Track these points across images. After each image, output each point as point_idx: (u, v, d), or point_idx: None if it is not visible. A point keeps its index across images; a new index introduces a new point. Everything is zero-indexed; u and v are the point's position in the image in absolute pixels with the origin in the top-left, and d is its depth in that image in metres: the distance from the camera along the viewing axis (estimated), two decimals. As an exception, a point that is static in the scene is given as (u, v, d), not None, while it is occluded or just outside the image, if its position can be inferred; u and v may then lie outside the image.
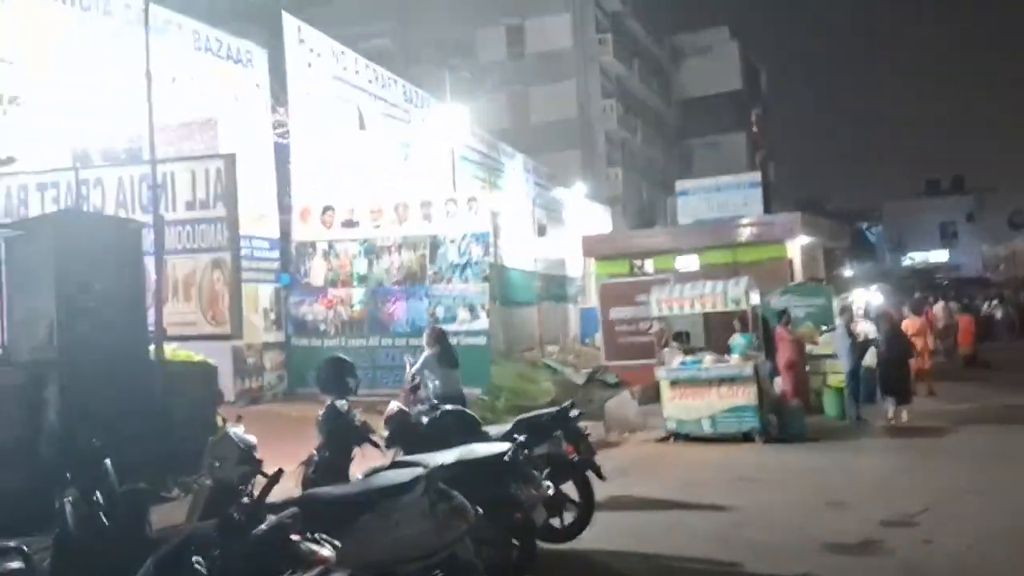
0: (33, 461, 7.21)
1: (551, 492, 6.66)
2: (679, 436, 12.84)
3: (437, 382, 9.65)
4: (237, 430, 5.66)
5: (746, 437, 12.43)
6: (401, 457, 6.70)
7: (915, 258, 60.00)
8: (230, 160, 10.51)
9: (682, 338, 15.06)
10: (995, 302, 31.38)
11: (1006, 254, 61.13)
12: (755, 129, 58.91)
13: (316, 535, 4.13)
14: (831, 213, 48.39)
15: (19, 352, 7.83)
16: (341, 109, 17.95)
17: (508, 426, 7.42)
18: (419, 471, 5.39)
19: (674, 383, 12.86)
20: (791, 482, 9.90)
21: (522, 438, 6.66)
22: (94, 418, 7.13)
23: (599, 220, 34.40)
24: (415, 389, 8.72)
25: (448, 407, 7.90)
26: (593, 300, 23.88)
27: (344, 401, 6.86)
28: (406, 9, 42.15)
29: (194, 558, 3.52)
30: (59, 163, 11.53)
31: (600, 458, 11.77)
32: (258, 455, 5.54)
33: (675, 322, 15.07)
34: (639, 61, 49.13)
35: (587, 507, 7.20)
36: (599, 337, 20.34)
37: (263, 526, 4.11)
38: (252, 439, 5.70)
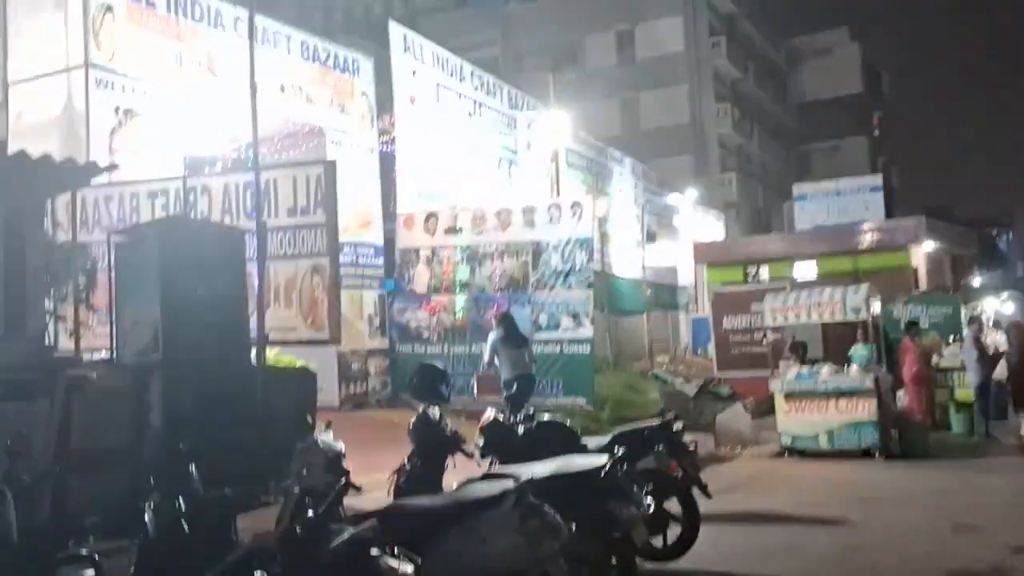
0: (137, 463, 7.31)
1: (652, 509, 6.31)
2: (794, 451, 12.20)
3: (505, 362, 10.01)
4: (325, 437, 5.56)
5: (866, 454, 11.70)
6: (496, 468, 6.48)
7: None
8: (330, 166, 10.55)
9: (799, 349, 14.37)
10: None
11: None
12: (877, 133, 56.77)
13: (397, 550, 3.94)
14: (959, 219, 45.98)
15: (125, 356, 7.99)
16: (446, 116, 17.98)
17: (608, 438, 7.09)
18: (509, 484, 5.13)
19: (789, 396, 12.23)
20: (914, 503, 9.20)
21: (622, 451, 6.32)
22: (192, 422, 7.18)
23: (712, 227, 33.57)
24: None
25: (546, 418, 7.64)
26: (705, 309, 23.23)
27: (436, 408, 6.69)
28: (512, 18, 42.26)
29: (256, 572, 3.36)
30: (172, 172, 11.86)
31: (709, 473, 11.41)
32: (346, 462, 5.42)
33: (792, 332, 14.44)
34: (754, 64, 47.87)
35: (691, 525, 6.79)
36: (711, 347, 19.71)
37: (342, 539, 3.94)
38: (340, 446, 5.58)
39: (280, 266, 9.89)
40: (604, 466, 5.81)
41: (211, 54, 13.48)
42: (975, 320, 14.44)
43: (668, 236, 29.40)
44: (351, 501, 4.95)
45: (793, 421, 12.14)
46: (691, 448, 7.37)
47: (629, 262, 26.10)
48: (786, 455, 12.22)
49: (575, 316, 14.61)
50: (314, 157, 13.48)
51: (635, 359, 23.22)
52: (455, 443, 6.52)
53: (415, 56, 17.20)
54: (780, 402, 12.27)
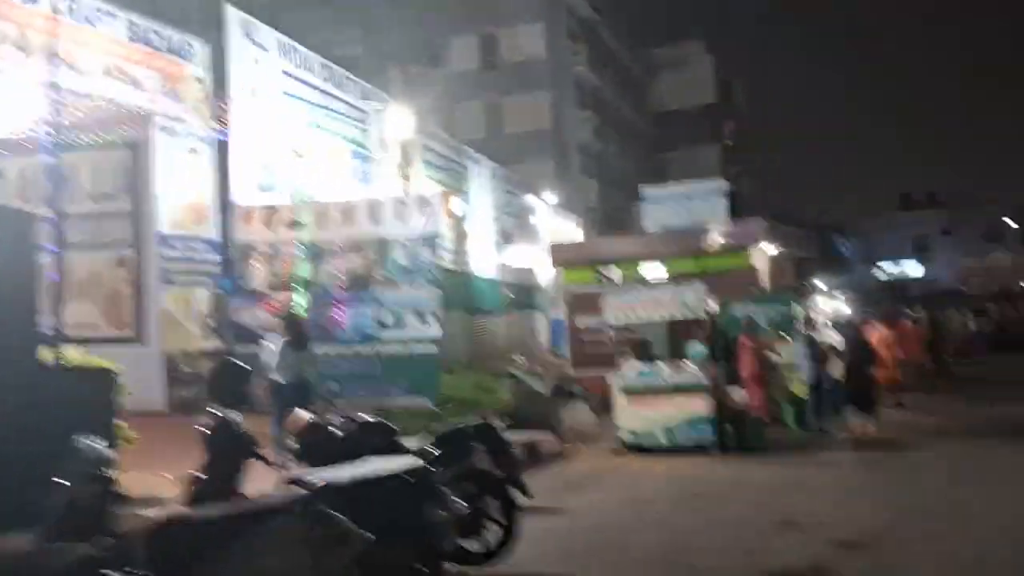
0: None
1: (468, 511, 6.00)
2: (634, 448, 12.21)
3: (282, 367, 9.71)
4: (92, 442, 4.96)
5: (703, 449, 11.82)
6: (301, 473, 6.01)
7: (888, 270, 59.88)
8: (139, 150, 9.78)
9: (640, 347, 14.44)
10: (971, 315, 31.00)
11: (983, 267, 61.14)
12: (729, 142, 58.95)
13: (135, 570, 3.45)
14: (804, 224, 48.22)
15: None
16: (291, 106, 17.26)
17: (427, 440, 6.74)
18: (297, 492, 4.71)
19: (629, 392, 12.24)
20: (744, 498, 9.27)
21: (438, 453, 5.98)
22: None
23: (571, 230, 33.85)
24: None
25: (367, 418, 7.22)
26: (562, 309, 23.27)
27: (235, 411, 6.15)
28: (374, 18, 41.53)
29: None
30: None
31: (549, 471, 11.32)
32: (112, 471, 4.85)
33: (640, 331, 14.48)
34: (613, 72, 48.78)
35: (510, 527, 6.52)
36: (566, 346, 19.70)
37: (71, 559, 3.43)
38: (109, 453, 5.00)
39: (80, 256, 9.05)
40: (415, 469, 5.46)
41: (24, 30, 12.37)
42: (809, 319, 14.89)
43: (527, 238, 29.44)
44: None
45: (633, 417, 12.16)
46: (513, 447, 7.10)
47: (487, 262, 25.92)
48: (627, 451, 12.21)
49: (421, 315, 14.19)
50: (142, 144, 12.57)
51: (492, 359, 23.04)
52: (249, 449, 6.00)
53: (257, 44, 16.42)
54: (620, 399, 12.26)
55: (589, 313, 18.18)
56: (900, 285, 45.81)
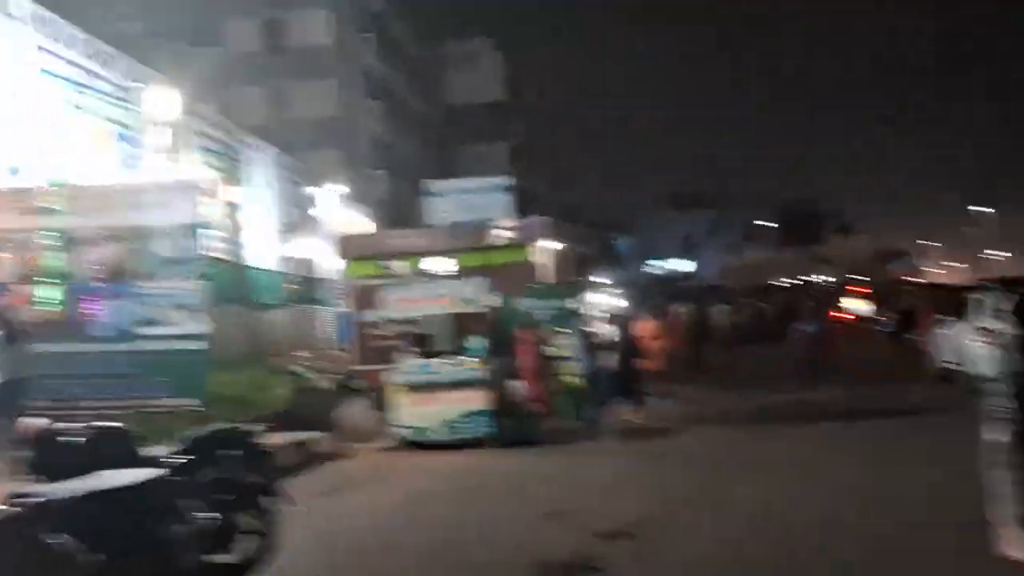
0: None
1: (218, 523, 5.60)
2: (413, 444, 12.07)
3: None
4: None
5: (481, 443, 11.86)
6: (26, 488, 5.37)
7: (661, 266, 63.48)
8: None
9: (422, 341, 14.32)
10: (730, 307, 33.34)
11: (742, 264, 66.13)
12: (518, 139, 60.27)
13: None
14: (589, 222, 50.11)
15: None
16: (46, 82, 15.70)
17: (173, 447, 6.22)
18: (7, 512, 4.17)
19: (407, 388, 12.08)
20: (518, 491, 9.35)
21: (183, 461, 5.53)
22: None
23: (359, 222, 33.24)
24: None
25: (105, 425, 6.59)
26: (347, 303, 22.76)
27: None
28: (153, -7, 38.92)
29: None
30: None
31: (324, 472, 10.96)
32: None
33: (424, 326, 14.34)
34: (404, 64, 48.48)
35: (268, 538, 6.15)
36: (351, 341, 19.23)
37: None
38: None
39: None
40: (150, 480, 4.99)
41: None
42: (584, 313, 15.36)
43: (312, 229, 28.59)
44: None
45: (411, 413, 12.03)
46: (268, 451, 6.71)
47: (268, 254, 24.91)
48: (404, 448, 12.06)
49: (187, 309, 13.33)
50: None
51: (273, 355, 22.18)
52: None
53: (8, 15, 14.81)
54: (398, 394, 12.09)
55: (374, 307, 17.88)
56: (670, 281, 48.68)
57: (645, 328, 17.24)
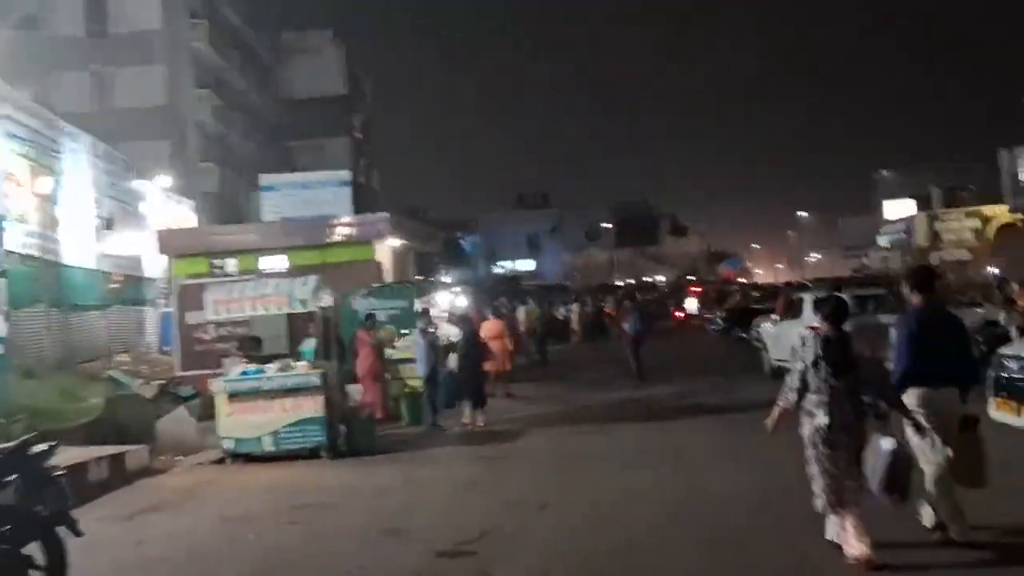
0: None
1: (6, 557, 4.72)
2: (238, 456, 11.16)
3: None
4: None
5: (313, 454, 11.11)
6: None
7: (505, 266, 63.75)
8: None
9: (251, 344, 13.37)
10: (572, 306, 33.69)
11: (582, 263, 67.45)
12: (358, 135, 58.86)
13: None
14: (431, 221, 49.45)
15: None
16: None
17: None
18: None
19: (232, 396, 11.16)
20: (352, 506, 8.70)
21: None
22: None
23: (186, 217, 31.31)
24: None
25: None
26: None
27: None
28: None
29: None
30: None
31: (136, 490, 9.92)
32: None
33: (254, 327, 13.37)
34: (239, 54, 46.26)
35: (57, 572, 5.29)
36: (175, 344, 17.87)
37: None
38: None
39: None
40: None
41: None
42: (424, 313, 14.83)
43: (135, 224, 26.61)
44: None
45: (236, 423, 11.10)
46: (60, 473, 5.80)
47: (84, 251, 22.93)
48: (229, 461, 11.13)
49: (-19, 311, 11.89)
50: None
51: (87, 360, 20.39)
52: None
53: None
54: (222, 403, 11.16)
55: (200, 308, 16.67)
56: (514, 280, 48.82)
57: (489, 328, 16.91)
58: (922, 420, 6.00)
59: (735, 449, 10.26)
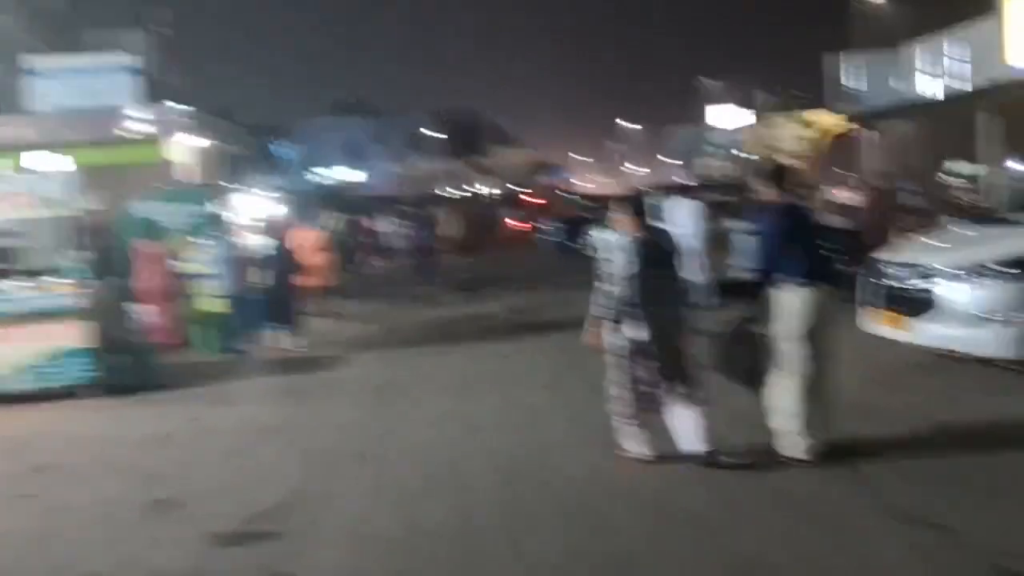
0: None
1: None
2: (-21, 399, 8.81)
3: None
4: None
5: (75, 392, 8.93)
6: None
7: (324, 175, 60.36)
8: None
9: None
10: (398, 220, 31.59)
11: (406, 173, 65.09)
12: (160, 29, 53.19)
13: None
14: (242, 124, 45.44)
15: None
16: None
17: None
18: None
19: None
20: (113, 467, 6.67)
21: None
22: None
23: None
24: None
25: None
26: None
27: None
28: None
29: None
30: None
31: None
32: None
33: (27, 237, 10.71)
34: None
35: None
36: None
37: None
38: None
39: None
40: None
41: None
42: (225, 219, 12.60)
43: None
44: None
45: (-28, 357, 8.73)
46: None
47: None
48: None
49: None
50: None
51: None
52: None
53: None
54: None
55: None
56: (334, 190, 45.82)
57: (304, 239, 14.82)
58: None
59: (576, 369, 8.89)
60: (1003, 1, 16.19)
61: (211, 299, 11.82)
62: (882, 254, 8.48)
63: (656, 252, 5.76)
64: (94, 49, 44.85)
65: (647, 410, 5.77)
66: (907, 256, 7.93)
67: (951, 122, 20.33)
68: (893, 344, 7.99)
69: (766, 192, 5.95)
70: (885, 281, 8.03)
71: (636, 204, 6.03)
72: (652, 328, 5.62)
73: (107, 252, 10.77)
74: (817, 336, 5.61)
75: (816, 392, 5.62)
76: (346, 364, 10.52)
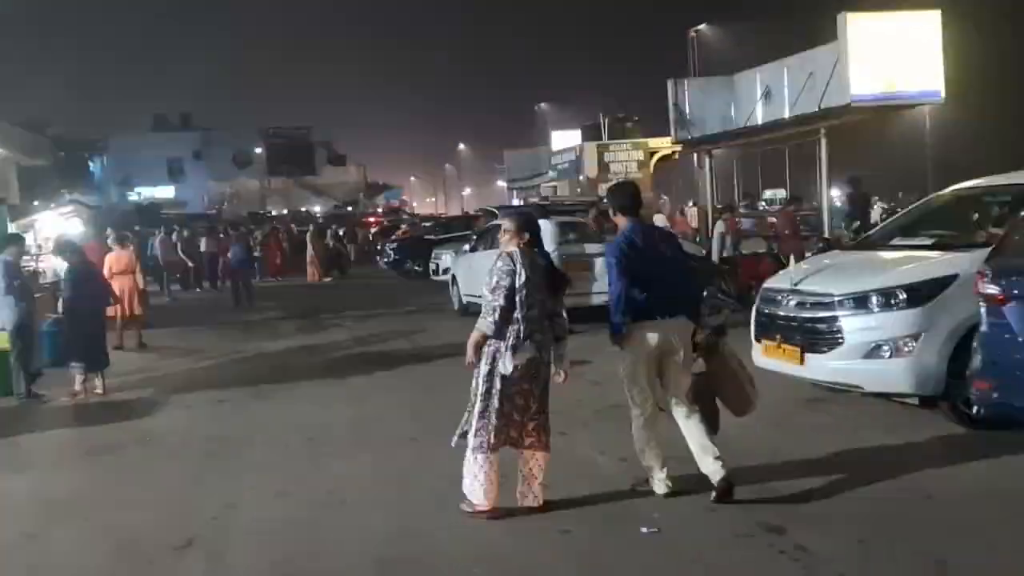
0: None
1: None
2: None
3: None
4: None
5: None
6: None
7: (142, 193, 56.32)
8: None
9: None
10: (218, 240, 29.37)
11: (232, 191, 61.89)
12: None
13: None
14: (54, 138, 41.47)
15: None
16: None
17: None
18: None
19: None
20: None
21: None
22: None
23: None
24: None
25: None
26: None
27: None
28: None
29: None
30: None
31: None
32: None
33: None
34: None
35: None
36: None
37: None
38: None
39: None
40: None
41: None
42: (14, 239, 10.64)
43: None
44: None
45: None
46: None
47: None
48: None
49: None
50: None
51: None
52: None
53: None
54: None
55: None
56: (153, 207, 42.47)
57: (114, 260, 13.00)
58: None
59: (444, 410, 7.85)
60: (846, 29, 16.48)
61: (-4, 333, 9.89)
62: (772, 282, 7.88)
63: (543, 267, 5.23)
64: None
65: (501, 443, 5.14)
66: (801, 284, 7.32)
67: (779, 146, 21.00)
68: (785, 379, 7.39)
69: (613, 216, 5.66)
70: (775, 311, 7.42)
71: (525, 221, 5.39)
72: (537, 350, 5.12)
73: None
74: (673, 366, 5.34)
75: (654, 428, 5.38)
76: (164, 411, 8.88)
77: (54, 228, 14.78)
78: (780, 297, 7.40)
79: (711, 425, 5.41)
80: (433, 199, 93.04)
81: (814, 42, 18.72)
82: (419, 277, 23.98)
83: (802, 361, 7.04)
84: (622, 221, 5.53)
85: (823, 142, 17.47)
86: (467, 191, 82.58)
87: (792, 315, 7.22)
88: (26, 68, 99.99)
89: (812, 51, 18.57)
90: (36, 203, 20.54)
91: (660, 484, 5.34)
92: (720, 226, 16.33)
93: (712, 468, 5.19)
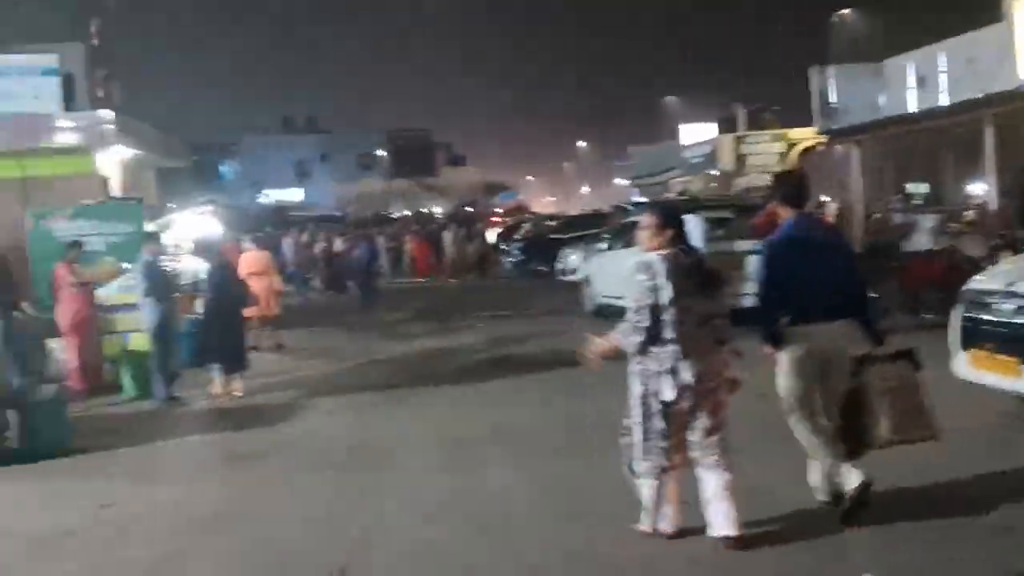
0: None
1: None
2: None
3: None
4: None
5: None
6: None
7: (271, 195, 58.07)
8: None
9: None
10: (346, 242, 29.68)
11: (356, 193, 63.07)
12: (95, 42, 50.67)
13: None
14: (185, 138, 43.20)
15: None
16: None
17: None
18: None
19: None
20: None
21: None
22: None
23: None
24: None
25: None
26: None
27: None
28: None
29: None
30: None
31: None
32: None
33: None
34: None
35: None
36: None
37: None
38: None
39: None
40: None
41: None
42: (153, 238, 10.64)
43: None
44: None
45: None
46: None
47: None
48: None
49: None
50: None
51: None
52: None
53: None
54: None
55: None
56: (283, 210, 43.51)
57: (251, 261, 12.94)
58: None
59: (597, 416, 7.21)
60: (1013, 11, 15.07)
61: (137, 333, 9.85)
62: (980, 283, 6.89)
63: (696, 274, 4.60)
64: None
65: (672, 465, 4.62)
66: (1017, 285, 6.33)
67: (934, 136, 19.31)
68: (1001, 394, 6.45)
69: (777, 209, 5.17)
70: (986, 316, 6.47)
71: (668, 216, 4.73)
72: (694, 372, 4.50)
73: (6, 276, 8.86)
74: (833, 376, 4.84)
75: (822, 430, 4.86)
76: (304, 417, 8.61)
77: (191, 228, 14.89)
78: (992, 300, 6.46)
79: (856, 445, 4.79)
80: (553, 198, 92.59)
81: (973, 25, 17.36)
82: (545, 277, 23.45)
83: (1020, 373, 6.10)
84: (786, 213, 5.06)
85: (989, 130, 16.04)
86: (585, 189, 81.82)
87: (1008, 320, 6.26)
88: (159, 70, 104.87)
89: (973, 33, 17.17)
90: (172, 204, 21.07)
91: (855, 477, 4.68)
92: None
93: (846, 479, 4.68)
